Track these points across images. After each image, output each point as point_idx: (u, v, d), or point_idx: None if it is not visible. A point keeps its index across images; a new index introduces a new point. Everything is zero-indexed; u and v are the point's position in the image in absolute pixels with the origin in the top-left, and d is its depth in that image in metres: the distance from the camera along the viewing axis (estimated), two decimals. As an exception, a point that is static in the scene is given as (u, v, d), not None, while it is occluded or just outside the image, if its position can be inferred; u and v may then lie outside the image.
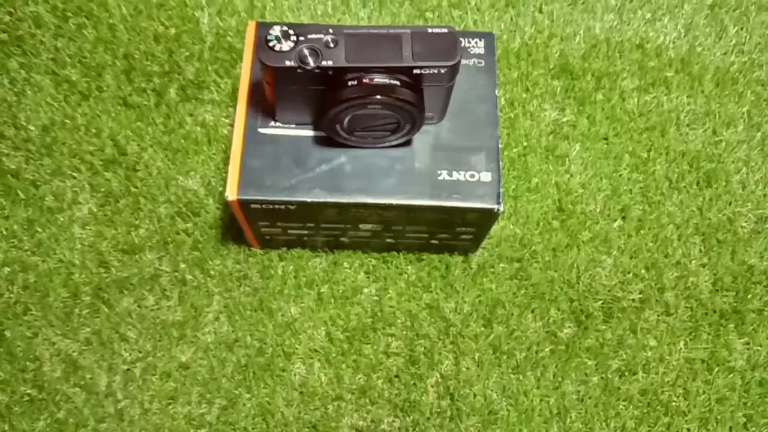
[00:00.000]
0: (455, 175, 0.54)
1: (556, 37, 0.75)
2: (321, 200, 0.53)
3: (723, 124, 0.72)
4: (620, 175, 0.69)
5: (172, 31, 0.73)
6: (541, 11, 0.77)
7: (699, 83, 0.74)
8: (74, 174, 0.67)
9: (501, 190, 0.54)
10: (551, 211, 0.67)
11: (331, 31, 0.47)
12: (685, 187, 0.69)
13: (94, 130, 0.69)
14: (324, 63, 0.46)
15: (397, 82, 0.47)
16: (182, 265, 0.64)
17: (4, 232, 0.65)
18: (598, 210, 0.67)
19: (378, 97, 0.47)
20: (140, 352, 0.61)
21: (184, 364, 0.61)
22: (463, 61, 0.57)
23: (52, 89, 0.70)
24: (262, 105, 0.55)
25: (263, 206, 0.54)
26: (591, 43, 0.75)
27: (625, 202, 0.68)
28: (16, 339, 0.61)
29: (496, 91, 0.57)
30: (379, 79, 0.47)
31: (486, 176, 0.54)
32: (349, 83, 0.47)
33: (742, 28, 0.77)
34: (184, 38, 0.72)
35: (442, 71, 0.48)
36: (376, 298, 0.64)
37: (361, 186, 0.53)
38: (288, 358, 0.61)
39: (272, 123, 0.55)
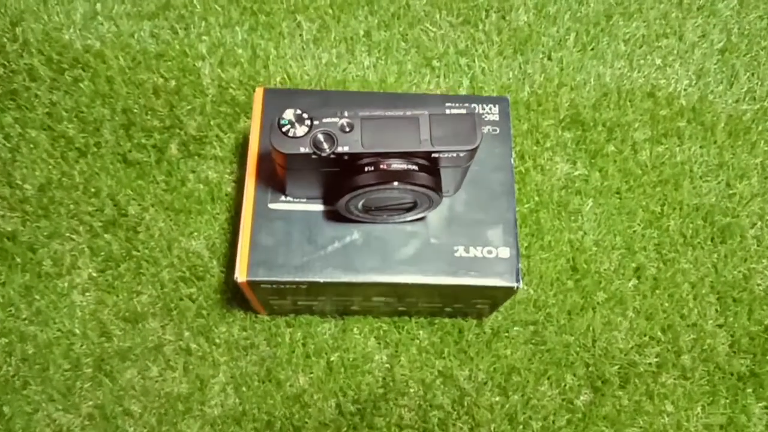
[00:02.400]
0: (472, 251, 0.52)
1: (566, 86, 0.74)
2: (334, 280, 0.51)
3: (736, 177, 0.71)
4: (634, 231, 0.68)
5: (173, 83, 0.70)
6: (550, 58, 0.75)
7: (711, 133, 0.73)
8: (73, 236, 0.65)
9: (520, 266, 0.52)
10: (565, 270, 0.66)
11: (346, 114, 0.45)
12: (699, 243, 0.68)
13: (92, 189, 0.66)
14: (340, 149, 0.44)
15: (415, 167, 0.46)
16: (187, 333, 0.62)
17: (1, 300, 0.62)
18: (612, 269, 0.66)
19: (395, 183, 0.45)
20: (145, 427, 0.59)
21: (190, 438, 0.59)
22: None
23: (48, 145, 0.68)
24: (272, 179, 0.53)
25: (273, 285, 0.52)
26: (601, 92, 0.74)
27: (640, 260, 0.66)
28: (16, 415, 0.59)
29: (512, 160, 0.55)
30: (397, 164, 0.45)
31: (504, 252, 0.52)
32: (366, 168, 0.45)
33: (753, 74, 0.76)
34: (185, 91, 0.70)
35: (461, 154, 0.46)
36: (387, 365, 0.62)
37: (375, 264, 0.51)
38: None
39: (282, 198, 0.53)
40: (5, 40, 0.71)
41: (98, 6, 0.73)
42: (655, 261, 0.67)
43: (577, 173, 0.70)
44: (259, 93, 0.56)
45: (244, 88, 0.71)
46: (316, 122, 0.45)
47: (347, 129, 0.45)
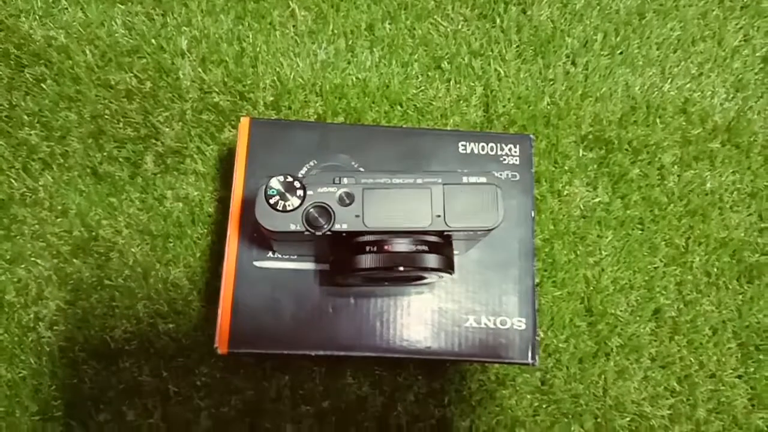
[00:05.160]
0: (484, 321, 0.47)
1: (590, 98, 0.66)
2: (327, 354, 0.45)
3: (770, 208, 0.64)
4: (655, 268, 0.62)
5: (148, 85, 0.62)
6: (574, 63, 0.67)
7: (746, 156, 0.66)
8: (38, 261, 0.58)
9: (537, 339, 0.46)
10: (579, 312, 0.60)
11: (345, 182, 0.38)
12: (724, 283, 0.62)
13: (59, 207, 0.60)
14: (337, 227, 0.38)
15: (424, 247, 0.39)
16: (165, 374, 0.57)
17: (-41, 334, 0.57)
18: (629, 311, 0.61)
19: (401, 269, 0.39)
20: (120, 477, 0.55)
21: (169, 489, 0.55)
22: (494, 174, 0.48)
23: (8, 154, 0.60)
24: (258, 233, 0.46)
25: (258, 355, 0.46)
26: (629, 105, 0.66)
27: (660, 301, 0.61)
28: (-21, 463, 0.55)
29: (533, 213, 0.48)
30: (403, 246, 0.39)
31: (519, 323, 0.47)
32: (367, 248, 0.39)
33: (797, 88, 0.69)
34: (162, 95, 0.62)
35: (479, 232, 0.39)
36: (382, 414, 0.57)
37: (375, 336, 0.46)
38: (285, 486, 0.56)
39: (269, 254, 0.46)
40: (-46, 27, 0.62)
41: (62, -13, 0.64)
42: (675, 302, 0.62)
43: (597, 200, 0.63)
44: (244, 124, 0.48)
45: (229, 93, 0.63)
46: (309, 192, 0.38)
47: (347, 201, 0.38)
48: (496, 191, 0.39)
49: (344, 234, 0.38)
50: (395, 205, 0.38)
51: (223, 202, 0.61)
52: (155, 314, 0.58)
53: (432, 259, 0.39)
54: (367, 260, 0.39)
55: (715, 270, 0.63)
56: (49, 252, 0.59)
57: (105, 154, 0.61)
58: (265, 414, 0.56)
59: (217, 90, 0.62)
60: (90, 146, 0.61)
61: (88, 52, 0.62)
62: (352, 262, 0.39)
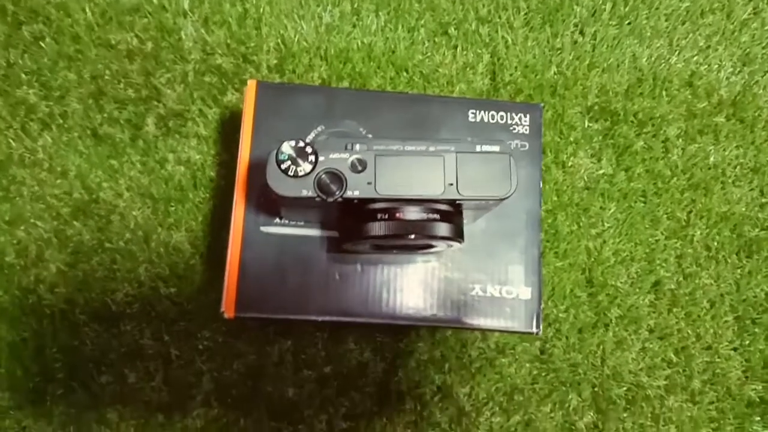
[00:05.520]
0: (490, 290, 0.47)
1: (597, 68, 0.65)
2: (333, 319, 0.45)
3: (772, 184, 0.65)
4: (656, 241, 0.62)
5: (149, 45, 0.61)
6: (582, 33, 0.66)
7: (751, 131, 0.66)
8: (38, 223, 0.58)
9: (541, 308, 0.47)
10: (580, 282, 0.61)
11: (357, 148, 0.38)
12: (724, 257, 0.63)
13: (59, 169, 0.59)
14: (349, 193, 0.38)
15: (435, 215, 0.39)
16: (166, 338, 0.57)
17: (-41, 294, 0.56)
18: (629, 283, 0.61)
19: (411, 236, 0.39)
20: (122, 437, 0.56)
21: (171, 451, 0.56)
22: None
23: (5, 113, 0.59)
24: (265, 197, 0.46)
25: (264, 319, 0.46)
26: (635, 77, 0.66)
27: (659, 274, 0.62)
28: (-19, 423, 0.55)
29: (540, 183, 0.48)
30: (414, 214, 0.39)
31: (525, 293, 0.47)
32: (378, 216, 0.39)
33: (803, 63, 0.68)
34: (164, 56, 0.61)
35: (491, 201, 0.39)
36: (383, 380, 0.58)
37: (381, 303, 0.46)
38: (287, 449, 0.56)
39: (276, 220, 0.46)
40: (-52, -20, 0.60)
41: (59, -59, 0.62)
42: (675, 275, 0.62)
43: (601, 172, 0.63)
44: (251, 87, 0.47)
45: (232, 55, 0.61)
46: (321, 158, 0.38)
47: (359, 168, 0.38)
48: (509, 160, 0.38)
49: (356, 201, 0.38)
50: (408, 173, 0.38)
51: (226, 166, 0.60)
52: (157, 278, 0.58)
53: (443, 228, 0.39)
54: (378, 227, 0.38)
55: (715, 244, 0.63)
56: (48, 214, 0.58)
57: (105, 115, 0.60)
58: (267, 378, 0.57)
59: (220, 52, 0.61)
60: (90, 107, 0.60)
61: (87, 9, 0.61)
62: (364, 229, 0.39)
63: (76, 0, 0.61)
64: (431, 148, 0.39)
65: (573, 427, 0.59)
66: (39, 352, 0.56)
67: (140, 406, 0.56)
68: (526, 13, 0.66)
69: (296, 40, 0.63)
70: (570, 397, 0.59)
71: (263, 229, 0.46)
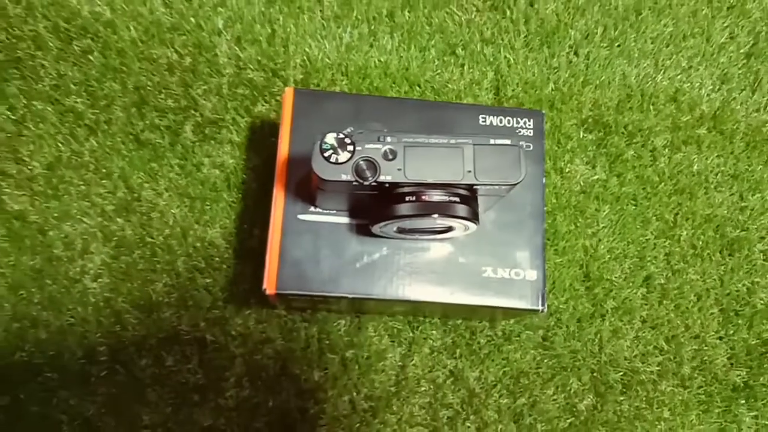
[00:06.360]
0: (500, 272, 0.52)
1: (591, 85, 0.72)
2: (361, 295, 0.51)
3: (750, 189, 0.71)
4: (647, 240, 0.69)
5: (188, 60, 0.67)
6: (576, 53, 0.74)
7: (730, 142, 0.73)
8: (84, 219, 0.63)
9: (546, 289, 0.53)
10: (578, 277, 0.67)
11: (389, 140, 0.44)
12: (708, 255, 0.69)
13: (104, 170, 0.64)
14: (382, 178, 0.43)
15: (456, 198, 0.45)
16: (202, 324, 0.62)
17: (12, 283, 0.61)
18: (623, 278, 0.67)
19: (435, 215, 0.44)
20: (160, 416, 0.60)
21: (205, 429, 0.60)
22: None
23: (55, 120, 0.65)
24: (302, 188, 0.52)
25: (301, 297, 0.52)
26: (625, 93, 0.73)
27: (650, 269, 0.68)
28: (31, 401, 0.59)
29: (543, 180, 0.55)
30: (438, 196, 0.45)
31: (531, 275, 0.53)
32: (407, 198, 0.45)
33: (776, 82, 0.76)
34: (201, 69, 0.67)
35: (503, 187, 0.45)
36: (400, 364, 0.63)
37: (403, 281, 0.51)
38: (312, 427, 0.61)
39: (312, 209, 0.52)
40: (7, 1, 0.66)
41: (107, -33, 0.69)
42: (664, 271, 0.68)
43: (595, 177, 0.70)
44: (288, 94, 0.54)
45: (262, 70, 0.68)
46: (358, 148, 0.44)
47: (390, 157, 0.44)
48: (519, 151, 0.45)
49: (387, 185, 0.44)
50: (432, 161, 0.44)
51: (256, 170, 0.66)
52: (194, 269, 0.63)
53: (461, 209, 0.45)
54: (407, 208, 0.44)
55: (701, 243, 0.69)
56: (94, 211, 0.63)
57: (147, 122, 0.66)
58: (294, 361, 0.62)
59: (251, 67, 0.68)
60: (133, 115, 0.66)
61: (132, 27, 0.67)
62: (393, 210, 0.45)
63: (121, 18, 0.67)
64: (452, 141, 0.45)
65: (574, 409, 0.64)
66: (83, 336, 0.61)
67: (177, 387, 0.61)
68: (525, 36, 0.73)
69: (320, 57, 0.69)
70: (571, 381, 0.64)
71: (300, 216, 0.52)
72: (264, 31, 0.69)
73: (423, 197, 0.44)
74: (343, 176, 0.43)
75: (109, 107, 0.66)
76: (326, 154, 0.43)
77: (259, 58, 0.68)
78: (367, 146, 0.44)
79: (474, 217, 0.46)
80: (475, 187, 0.45)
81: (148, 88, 0.66)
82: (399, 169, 0.44)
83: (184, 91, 0.67)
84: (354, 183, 0.44)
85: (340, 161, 0.43)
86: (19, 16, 0.66)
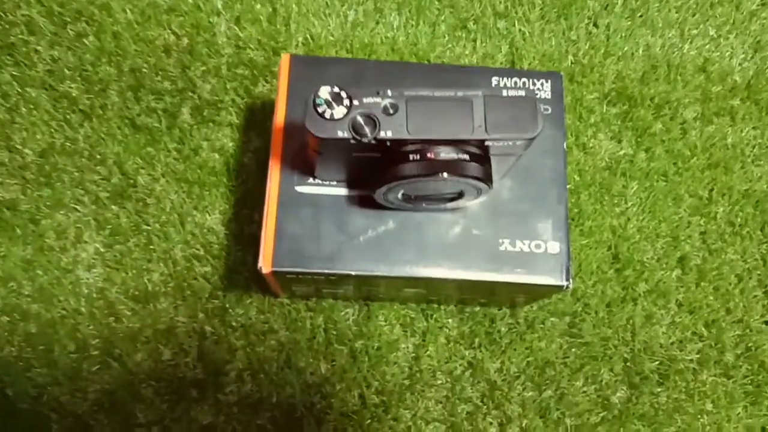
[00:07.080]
0: (519, 245, 0.48)
1: (613, 56, 0.68)
2: (366, 273, 0.47)
3: (791, 162, 0.66)
4: (680, 218, 0.63)
5: (185, 41, 0.64)
6: (596, 25, 0.69)
7: (766, 113, 0.67)
8: (77, 207, 0.60)
9: (570, 263, 0.48)
10: (606, 259, 0.62)
11: (389, 93, 0.40)
12: (748, 233, 0.63)
13: (98, 156, 0.61)
14: (382, 134, 0.39)
15: (466, 156, 0.41)
16: (201, 315, 0.58)
17: (2, 275, 0.58)
18: (656, 258, 0.62)
19: (444, 175, 0.40)
20: (156, 413, 0.56)
21: (204, 427, 0.56)
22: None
23: (49, 106, 0.62)
24: (299, 159, 0.48)
25: (300, 276, 0.48)
26: (650, 64, 0.68)
27: (685, 249, 0.62)
28: (20, 398, 0.56)
29: (565, 145, 0.50)
30: (445, 153, 0.40)
31: (554, 247, 0.48)
32: (411, 157, 0.40)
33: (814, 49, 0.70)
34: (199, 50, 0.64)
35: (518, 143, 0.41)
36: (413, 355, 0.58)
37: (411, 257, 0.47)
38: (319, 423, 0.56)
39: (310, 180, 0.48)
40: (0, -14, 0.65)
41: (102, -50, 0.67)
42: (700, 251, 0.63)
43: (621, 152, 0.65)
44: (285, 60, 0.50)
45: (263, 49, 0.65)
46: (355, 102, 0.40)
47: (391, 111, 0.40)
48: (535, 103, 0.40)
49: (388, 143, 0.40)
50: (438, 116, 0.40)
51: (257, 153, 0.62)
52: (192, 257, 0.59)
53: (473, 167, 0.40)
54: (411, 168, 0.40)
55: (739, 220, 0.64)
56: (88, 198, 0.60)
57: (143, 106, 0.63)
58: (299, 353, 0.57)
59: (251, 46, 0.65)
60: (128, 99, 0.63)
61: (128, 10, 0.65)
62: (397, 170, 0.41)
63: (117, 1, 0.65)
64: (459, 94, 0.40)
65: (606, 402, 0.58)
66: (76, 329, 0.57)
67: (174, 382, 0.57)
68: (541, 8, 0.69)
69: (323, 35, 0.66)
70: (602, 371, 0.59)
71: (298, 188, 0.47)
72: (264, 10, 0.66)
73: (429, 155, 0.40)
74: (339, 133, 0.39)
75: (104, 92, 0.63)
76: (320, 110, 0.39)
77: (260, 37, 0.65)
78: (365, 100, 0.40)
79: (487, 178, 0.42)
80: (487, 143, 0.41)
81: (144, 70, 0.63)
82: (401, 125, 0.39)
83: (181, 72, 0.63)
84: (351, 141, 0.39)
85: (335, 117, 0.39)
86: (12, 0, 0.64)
